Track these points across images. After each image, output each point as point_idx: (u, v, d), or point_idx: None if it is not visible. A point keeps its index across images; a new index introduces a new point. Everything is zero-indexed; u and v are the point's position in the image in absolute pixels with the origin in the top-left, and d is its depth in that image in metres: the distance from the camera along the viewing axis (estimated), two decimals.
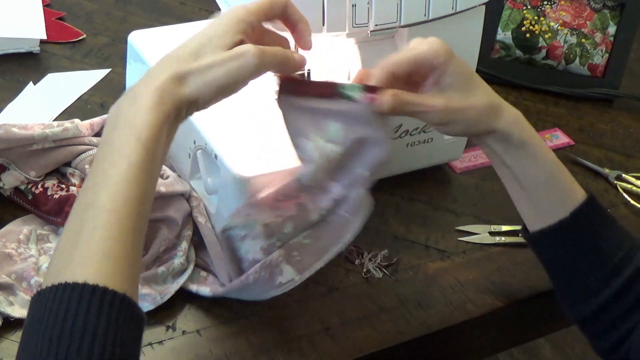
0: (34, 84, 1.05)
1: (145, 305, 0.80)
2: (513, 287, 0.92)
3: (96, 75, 1.09)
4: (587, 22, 1.28)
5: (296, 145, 0.77)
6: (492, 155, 0.81)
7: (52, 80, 1.07)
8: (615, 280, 0.76)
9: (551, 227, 0.77)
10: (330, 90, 0.74)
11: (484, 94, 0.77)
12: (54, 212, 0.85)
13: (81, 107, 1.05)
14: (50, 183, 0.87)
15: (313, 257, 0.81)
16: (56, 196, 0.85)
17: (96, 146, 0.89)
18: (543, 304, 0.93)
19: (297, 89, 0.75)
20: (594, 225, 0.77)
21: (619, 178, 1.12)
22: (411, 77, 0.76)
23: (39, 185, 0.87)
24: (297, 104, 0.75)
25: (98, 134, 0.92)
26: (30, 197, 0.87)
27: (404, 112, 0.74)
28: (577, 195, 0.78)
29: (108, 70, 1.10)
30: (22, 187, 0.88)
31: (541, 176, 0.78)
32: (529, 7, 1.27)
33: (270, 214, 0.78)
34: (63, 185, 0.87)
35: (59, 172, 0.90)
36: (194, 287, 0.83)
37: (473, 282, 0.91)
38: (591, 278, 0.77)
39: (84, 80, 1.09)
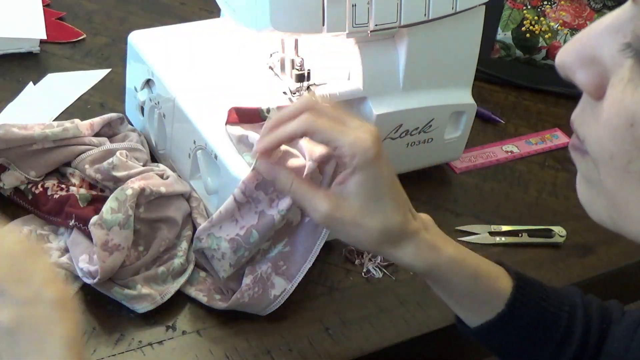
0: (34, 84, 1.05)
1: (145, 305, 0.80)
2: None
3: (96, 75, 1.09)
4: (587, 22, 1.28)
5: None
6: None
7: (52, 80, 1.07)
8: (568, 348, 0.73)
9: (490, 322, 0.73)
10: (257, 116, 0.82)
11: (384, 219, 0.69)
12: (54, 212, 0.85)
13: (81, 107, 1.05)
14: (50, 183, 0.87)
15: (299, 261, 0.83)
16: (56, 196, 0.85)
17: (96, 146, 0.89)
18: None
19: (240, 118, 0.83)
20: (532, 304, 0.74)
21: None
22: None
23: (39, 185, 0.87)
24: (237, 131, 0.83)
25: (98, 134, 0.92)
26: (30, 197, 0.87)
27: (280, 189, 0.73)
28: (504, 284, 0.73)
29: (108, 70, 1.10)
30: (22, 187, 0.88)
31: (461, 288, 0.73)
32: (529, 7, 1.27)
33: (233, 228, 0.79)
34: (63, 185, 0.87)
35: (59, 172, 0.90)
36: (191, 291, 0.83)
37: None
38: (546, 353, 0.74)
39: (84, 80, 1.09)
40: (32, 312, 0.55)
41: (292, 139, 0.70)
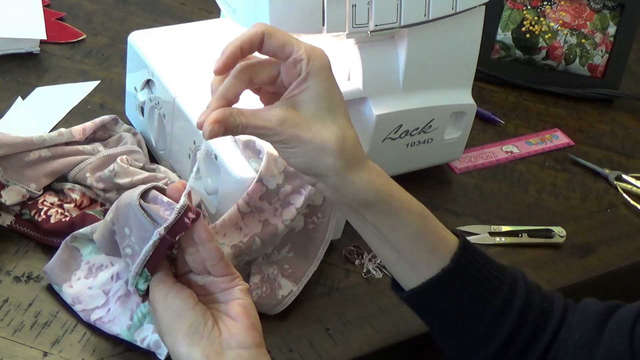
0: (23, 99, 1.04)
1: None
2: None
3: (85, 87, 1.08)
4: (587, 23, 1.28)
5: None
6: (350, 212, 0.71)
7: (41, 94, 1.06)
8: (507, 317, 0.71)
9: (434, 279, 0.70)
10: None
11: (340, 130, 0.67)
12: (54, 234, 0.84)
13: (81, 108, 1.05)
14: (50, 202, 0.85)
15: (304, 265, 0.84)
16: (61, 220, 0.84)
17: (91, 154, 0.88)
18: None
19: None
20: (476, 266, 0.71)
21: (619, 178, 1.12)
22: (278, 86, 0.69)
23: (42, 213, 0.84)
24: None
25: (94, 138, 0.92)
26: (34, 219, 0.84)
27: (235, 134, 0.66)
28: (450, 239, 0.72)
29: (97, 82, 1.09)
30: (25, 215, 0.85)
31: (409, 229, 0.71)
32: (529, 7, 1.27)
33: (237, 236, 0.79)
34: (64, 207, 0.85)
35: (53, 189, 0.88)
36: None
37: None
38: (483, 322, 0.71)
39: (73, 92, 1.07)
40: None
41: (251, 43, 0.66)
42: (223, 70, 0.67)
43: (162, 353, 0.75)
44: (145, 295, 0.70)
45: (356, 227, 0.73)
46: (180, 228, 0.66)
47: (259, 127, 0.66)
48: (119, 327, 0.76)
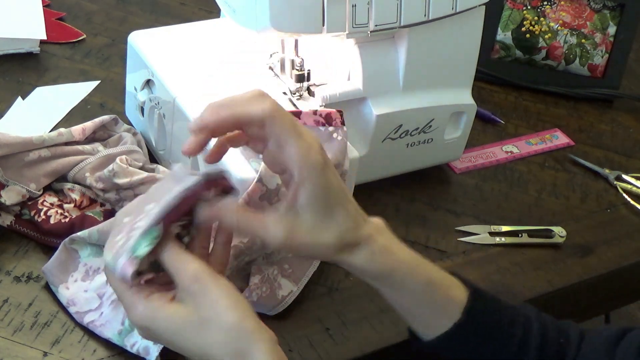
0: (23, 99, 1.04)
1: None
2: (513, 287, 0.92)
3: (85, 87, 1.08)
4: (587, 23, 1.28)
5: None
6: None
7: (41, 94, 1.06)
8: (526, 357, 0.72)
9: (447, 332, 0.72)
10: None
11: (339, 228, 0.67)
12: (54, 235, 0.84)
13: (81, 108, 1.05)
14: (50, 202, 0.85)
15: (304, 265, 0.84)
16: (60, 221, 0.84)
17: (90, 154, 0.88)
18: (542, 304, 0.93)
19: None
20: (489, 312, 0.73)
21: (619, 178, 1.12)
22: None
23: (42, 213, 0.84)
24: None
25: (93, 138, 0.92)
26: (33, 220, 0.85)
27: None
28: (458, 296, 0.72)
29: (97, 82, 1.10)
30: (25, 215, 0.85)
31: (414, 297, 0.72)
32: (529, 7, 1.27)
33: (237, 237, 0.79)
34: (64, 207, 0.85)
35: (53, 189, 0.88)
36: None
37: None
38: None
39: (73, 92, 1.07)
40: None
41: (239, 126, 0.68)
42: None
43: (150, 359, 0.75)
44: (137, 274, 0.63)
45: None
46: (217, 177, 0.66)
47: (264, 237, 0.67)
48: (110, 331, 0.76)
